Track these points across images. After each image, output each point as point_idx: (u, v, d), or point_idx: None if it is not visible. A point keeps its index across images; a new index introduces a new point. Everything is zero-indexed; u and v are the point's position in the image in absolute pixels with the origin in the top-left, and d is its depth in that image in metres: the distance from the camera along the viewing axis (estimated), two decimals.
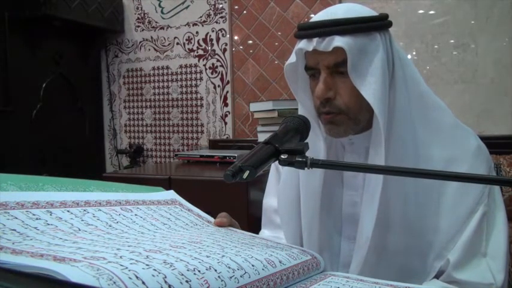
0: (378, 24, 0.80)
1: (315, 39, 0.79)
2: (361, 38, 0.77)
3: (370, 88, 0.77)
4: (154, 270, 0.43)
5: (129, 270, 0.41)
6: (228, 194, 1.53)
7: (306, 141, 0.73)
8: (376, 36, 0.79)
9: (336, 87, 0.80)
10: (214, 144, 2.53)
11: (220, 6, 2.50)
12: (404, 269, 0.81)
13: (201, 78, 2.59)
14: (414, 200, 0.80)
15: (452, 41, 2.05)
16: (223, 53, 2.52)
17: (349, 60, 0.76)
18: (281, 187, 0.96)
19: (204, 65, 2.57)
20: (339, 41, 0.76)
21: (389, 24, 0.82)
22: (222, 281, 0.47)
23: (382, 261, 0.82)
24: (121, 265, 0.42)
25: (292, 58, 0.84)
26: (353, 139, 0.87)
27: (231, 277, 0.49)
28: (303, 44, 0.81)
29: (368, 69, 0.78)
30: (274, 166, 1.03)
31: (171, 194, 0.80)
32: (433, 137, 0.83)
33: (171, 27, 2.65)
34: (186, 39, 2.61)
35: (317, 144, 0.87)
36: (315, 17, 0.83)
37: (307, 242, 0.90)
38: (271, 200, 1.03)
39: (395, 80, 0.81)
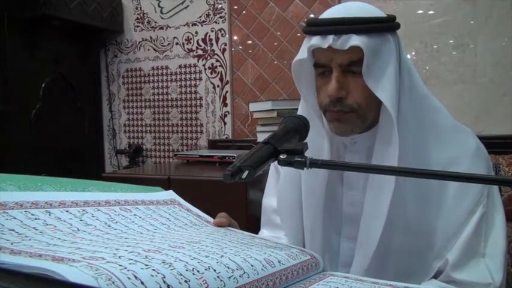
0: (391, 25, 0.79)
1: (331, 37, 0.77)
2: (376, 38, 0.77)
3: (385, 90, 0.76)
4: (153, 270, 0.43)
5: (128, 270, 0.41)
6: (227, 194, 1.53)
7: (307, 140, 0.73)
8: (389, 38, 0.79)
9: (348, 87, 0.79)
10: (213, 144, 2.53)
11: (220, 6, 2.50)
12: (403, 269, 0.81)
13: (200, 78, 2.58)
14: (414, 200, 0.80)
15: (451, 41, 2.05)
16: (223, 53, 2.51)
17: (365, 60, 0.75)
18: (280, 187, 0.96)
19: (204, 65, 2.57)
20: (356, 39, 0.75)
21: (399, 26, 0.81)
22: (221, 281, 0.47)
23: (383, 261, 0.82)
24: (120, 265, 0.42)
25: (303, 54, 0.82)
26: (355, 138, 0.87)
27: (230, 277, 0.49)
28: (316, 41, 0.79)
29: (382, 71, 0.77)
30: (274, 166, 1.03)
31: (170, 194, 0.80)
32: (432, 139, 0.83)
33: (170, 27, 2.65)
34: (186, 39, 2.61)
35: (320, 143, 0.86)
36: (326, 14, 0.81)
37: (310, 242, 0.90)
38: (270, 200, 1.03)
39: (402, 83, 0.80)
